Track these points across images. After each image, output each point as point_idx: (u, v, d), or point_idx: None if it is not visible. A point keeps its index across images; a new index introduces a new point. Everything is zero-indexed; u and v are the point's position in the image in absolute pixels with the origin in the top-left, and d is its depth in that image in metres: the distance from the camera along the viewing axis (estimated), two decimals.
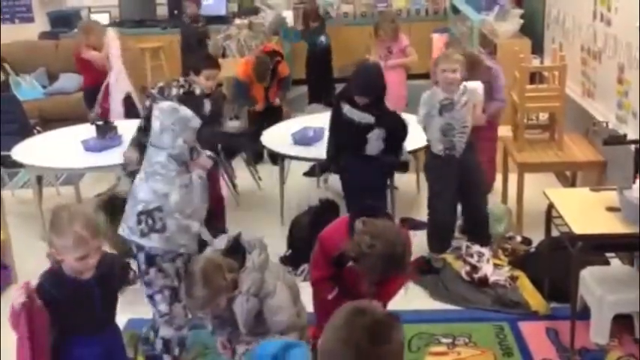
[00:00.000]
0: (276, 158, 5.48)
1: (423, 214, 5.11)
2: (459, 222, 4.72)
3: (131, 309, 3.70)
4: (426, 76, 8.38)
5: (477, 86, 4.38)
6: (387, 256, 2.79)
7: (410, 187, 5.55)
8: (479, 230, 4.57)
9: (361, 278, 2.92)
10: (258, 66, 6.38)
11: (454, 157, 4.35)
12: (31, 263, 2.75)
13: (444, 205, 4.49)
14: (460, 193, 4.48)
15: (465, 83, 4.33)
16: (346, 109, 4.22)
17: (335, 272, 3.10)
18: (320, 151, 4.80)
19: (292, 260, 4.58)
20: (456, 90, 4.29)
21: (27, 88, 7.69)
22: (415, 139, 4.65)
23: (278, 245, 4.65)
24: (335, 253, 3.02)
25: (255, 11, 8.70)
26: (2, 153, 5.69)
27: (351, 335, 1.55)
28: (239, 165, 5.86)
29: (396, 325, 1.60)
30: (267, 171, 5.98)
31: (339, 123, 4.33)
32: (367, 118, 4.19)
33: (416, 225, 4.88)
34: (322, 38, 7.85)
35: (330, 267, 3.07)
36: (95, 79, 6.42)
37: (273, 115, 6.33)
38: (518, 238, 4.67)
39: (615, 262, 4.12)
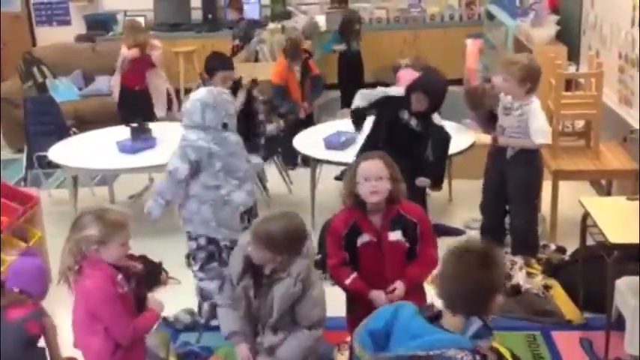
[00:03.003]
0: (309, 161, 5.50)
1: (454, 221, 5.09)
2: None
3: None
4: (459, 82, 8.39)
5: (535, 118, 4.26)
6: None
7: (442, 194, 5.51)
8: (517, 240, 4.52)
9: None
10: (290, 44, 6.43)
11: (499, 160, 4.40)
12: None
13: (487, 208, 4.58)
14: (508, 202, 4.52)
15: (532, 100, 4.26)
16: (407, 116, 4.34)
17: (347, 257, 3.07)
18: (352, 155, 4.79)
19: (323, 264, 4.55)
20: (522, 99, 4.24)
21: (63, 90, 7.80)
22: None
23: None
24: (343, 230, 3.02)
25: (288, 16, 8.72)
26: (39, 153, 5.79)
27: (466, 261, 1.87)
28: (270, 168, 5.88)
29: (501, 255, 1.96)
30: (299, 175, 5.99)
31: (395, 131, 4.38)
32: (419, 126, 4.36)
33: (447, 231, 4.86)
34: (354, 43, 7.81)
35: (341, 251, 3.05)
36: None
37: (308, 122, 6.34)
38: (553, 247, 4.62)
39: None
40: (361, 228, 3.01)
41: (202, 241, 3.89)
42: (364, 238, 3.01)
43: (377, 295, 3.02)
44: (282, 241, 2.84)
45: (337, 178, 6.01)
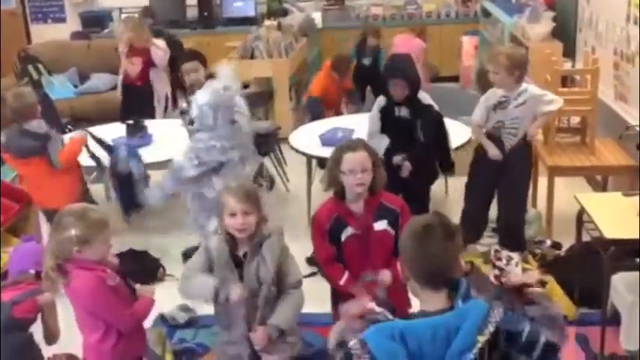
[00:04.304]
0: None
1: (451, 216, 5.07)
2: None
3: (159, 306, 3.74)
4: (455, 78, 8.40)
5: (539, 94, 4.32)
6: None
7: (439, 190, 5.52)
8: (508, 236, 4.53)
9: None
10: (341, 60, 6.51)
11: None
12: None
13: (476, 198, 4.52)
14: (498, 195, 4.50)
15: (526, 85, 4.30)
16: (397, 109, 4.29)
17: (335, 252, 3.07)
18: None
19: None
20: (514, 89, 4.26)
21: (59, 88, 7.79)
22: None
23: (304, 246, 4.64)
24: (327, 224, 3.03)
25: (284, 12, 8.72)
26: None
27: (427, 233, 1.89)
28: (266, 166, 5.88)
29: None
30: (295, 172, 5.99)
31: (391, 124, 4.34)
32: (410, 114, 4.31)
33: None
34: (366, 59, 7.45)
35: (329, 245, 3.05)
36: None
37: None
38: (548, 242, 4.62)
39: None
40: (345, 221, 3.01)
41: None
42: (348, 232, 3.02)
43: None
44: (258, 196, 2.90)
45: None
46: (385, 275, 3.01)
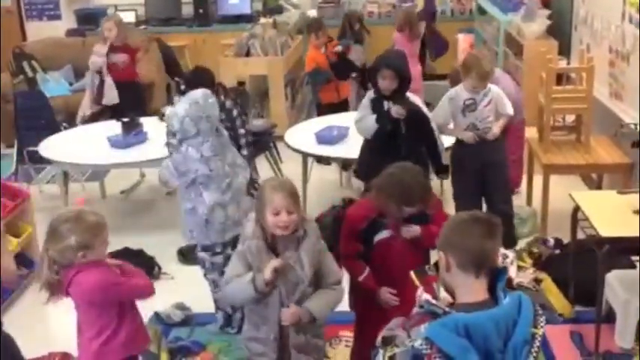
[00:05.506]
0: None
1: None
2: None
3: (154, 304, 3.74)
4: None
5: (502, 95, 4.34)
6: (402, 181, 2.92)
7: (435, 190, 5.51)
8: (504, 232, 4.52)
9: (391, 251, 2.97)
10: (313, 21, 6.71)
11: (475, 151, 4.34)
12: None
13: (465, 197, 4.45)
14: (483, 192, 4.48)
15: (489, 85, 4.30)
16: (385, 103, 4.17)
17: (362, 250, 3.04)
18: (343, 150, 4.80)
19: None
20: (480, 90, 4.27)
21: (54, 85, 7.76)
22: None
23: None
24: (361, 225, 3.00)
25: (280, 10, 8.71)
26: (30, 148, 5.77)
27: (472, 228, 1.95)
28: (262, 164, 5.87)
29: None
30: (290, 170, 5.99)
31: (380, 117, 4.28)
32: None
33: None
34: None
35: (357, 243, 3.02)
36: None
37: (340, 111, 6.20)
38: (552, 241, 4.59)
39: None
40: (384, 224, 3.00)
41: (218, 249, 3.83)
42: (383, 234, 3.00)
43: (386, 294, 3.02)
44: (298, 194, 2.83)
45: (355, 172, 5.80)
46: (414, 228, 3.00)
